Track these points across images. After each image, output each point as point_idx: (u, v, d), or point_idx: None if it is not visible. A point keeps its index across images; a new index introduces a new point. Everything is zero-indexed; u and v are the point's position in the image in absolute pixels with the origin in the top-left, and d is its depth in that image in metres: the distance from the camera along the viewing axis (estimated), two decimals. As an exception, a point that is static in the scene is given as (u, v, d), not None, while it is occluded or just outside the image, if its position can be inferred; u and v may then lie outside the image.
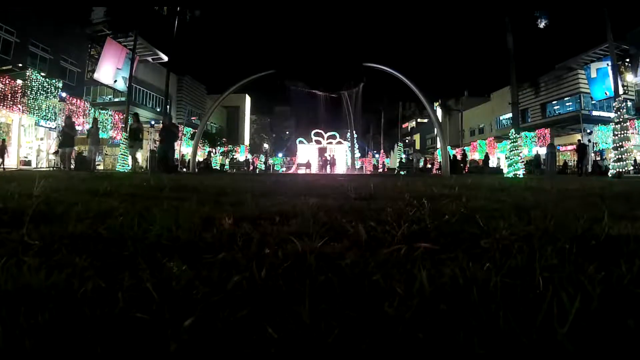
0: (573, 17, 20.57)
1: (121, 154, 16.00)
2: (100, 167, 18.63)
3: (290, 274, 0.85)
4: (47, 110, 16.71)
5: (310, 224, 1.44)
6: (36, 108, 16.21)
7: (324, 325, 0.58)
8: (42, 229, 1.26)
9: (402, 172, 19.63)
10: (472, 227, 1.41)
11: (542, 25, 19.27)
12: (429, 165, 29.11)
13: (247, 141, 46.93)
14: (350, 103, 24.84)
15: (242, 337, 0.56)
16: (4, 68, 16.77)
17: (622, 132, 11.50)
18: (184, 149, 29.44)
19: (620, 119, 11.52)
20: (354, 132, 28.61)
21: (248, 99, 49.03)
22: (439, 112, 35.07)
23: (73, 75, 24.23)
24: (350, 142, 29.11)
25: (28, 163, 17.28)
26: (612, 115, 12.34)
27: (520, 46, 20.00)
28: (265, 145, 55.03)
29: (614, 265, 0.86)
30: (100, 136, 14.71)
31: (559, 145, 20.89)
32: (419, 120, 54.01)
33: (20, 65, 17.70)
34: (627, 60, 25.71)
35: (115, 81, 26.12)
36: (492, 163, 24.32)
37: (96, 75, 24.78)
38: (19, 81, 15.60)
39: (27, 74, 16.13)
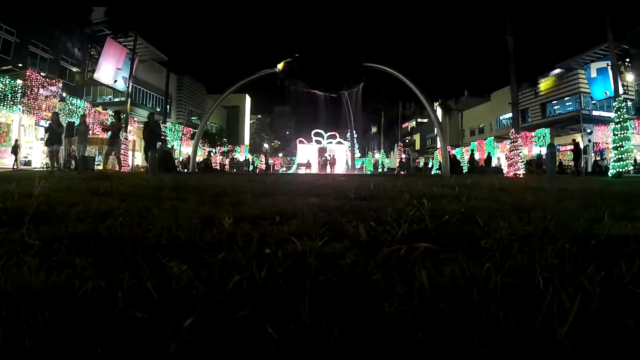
0: (573, 17, 20.58)
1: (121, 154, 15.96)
2: (100, 167, 18.59)
3: (291, 274, 0.84)
4: (47, 110, 16.70)
5: (310, 223, 1.45)
6: (36, 108, 16.20)
7: (324, 325, 0.58)
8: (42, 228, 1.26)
9: (402, 172, 19.65)
10: (472, 227, 1.41)
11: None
12: (430, 165, 29.09)
13: (247, 141, 46.94)
14: (350, 103, 24.83)
15: (242, 337, 0.56)
16: (4, 68, 16.78)
17: (622, 132, 11.50)
18: (183, 149, 29.46)
19: (620, 119, 11.52)
20: (354, 132, 28.59)
21: (248, 99, 49.04)
22: (439, 112, 35.09)
23: (73, 75, 24.24)
24: (350, 142, 29.10)
25: (28, 163, 17.29)
26: (612, 115, 12.32)
27: (520, 46, 20.02)
28: (265, 145, 55.06)
29: (614, 265, 0.86)
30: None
31: (559, 145, 20.87)
32: (419, 120, 53.98)
33: (20, 65, 17.71)
34: (627, 60, 25.71)
35: (115, 81, 26.12)
36: (491, 163, 24.28)
37: (96, 75, 24.78)
38: (19, 81, 15.61)
39: (27, 74, 16.14)
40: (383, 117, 45.36)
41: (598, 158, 21.77)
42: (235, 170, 25.80)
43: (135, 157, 23.00)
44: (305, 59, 17.48)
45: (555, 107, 30.01)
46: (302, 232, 1.27)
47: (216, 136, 33.37)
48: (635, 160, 18.51)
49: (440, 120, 23.27)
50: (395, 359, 0.52)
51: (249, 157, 36.83)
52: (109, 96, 27.99)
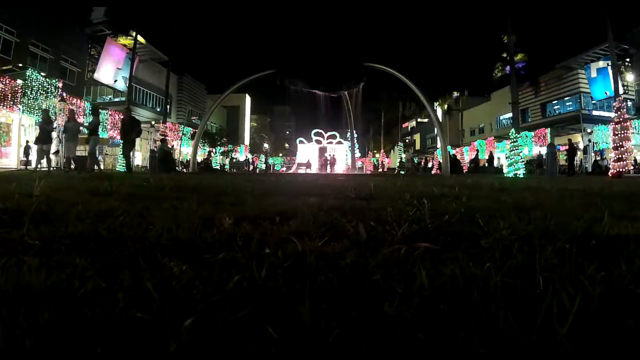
0: (573, 17, 20.57)
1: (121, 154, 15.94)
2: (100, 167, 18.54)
3: (291, 274, 0.84)
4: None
5: (310, 223, 1.44)
6: (36, 108, 16.20)
7: (324, 325, 0.58)
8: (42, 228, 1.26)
9: (402, 172, 19.66)
10: (472, 226, 1.41)
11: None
12: (430, 165, 29.09)
13: (247, 141, 46.94)
14: (350, 103, 24.84)
15: (242, 337, 0.56)
16: (4, 68, 16.78)
17: (622, 132, 11.49)
18: (184, 149, 29.46)
19: (620, 119, 11.51)
20: (354, 131, 28.59)
21: (248, 98, 49.03)
22: (439, 112, 35.08)
23: (73, 75, 24.22)
24: (350, 142, 29.11)
25: (28, 163, 17.27)
26: (612, 115, 12.32)
27: (520, 46, 20.03)
28: (266, 145, 55.05)
29: (614, 265, 0.86)
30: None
31: (559, 145, 20.85)
32: (419, 120, 53.96)
33: (20, 65, 17.70)
34: (627, 60, 25.70)
35: (116, 81, 26.11)
36: (489, 163, 24.23)
37: (96, 75, 24.78)
38: (19, 81, 15.60)
39: (27, 74, 16.13)
40: (383, 117, 45.36)
41: (598, 158, 21.73)
42: (235, 170, 25.80)
43: (135, 157, 22.98)
44: (306, 59, 17.48)
45: (556, 107, 30.01)
46: (302, 232, 1.27)
47: (216, 136, 33.39)
48: (635, 160, 18.51)
49: (440, 120, 23.24)
50: (395, 359, 0.52)
51: (249, 156, 36.84)
52: (109, 96, 27.99)
